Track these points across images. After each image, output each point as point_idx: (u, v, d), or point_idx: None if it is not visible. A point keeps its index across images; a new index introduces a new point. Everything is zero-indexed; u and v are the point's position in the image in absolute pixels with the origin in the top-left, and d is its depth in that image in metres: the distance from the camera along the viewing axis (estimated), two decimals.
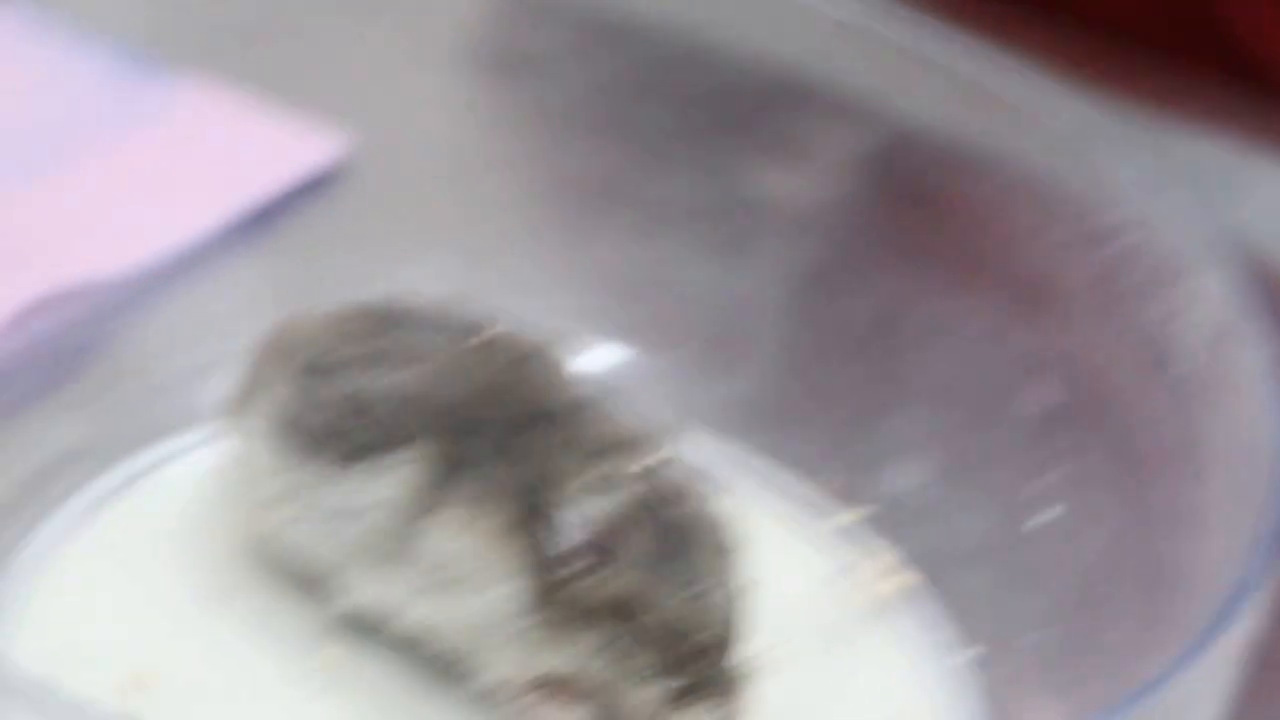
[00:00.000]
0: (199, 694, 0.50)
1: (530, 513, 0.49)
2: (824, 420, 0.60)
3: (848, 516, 0.58)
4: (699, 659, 0.49)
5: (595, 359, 0.59)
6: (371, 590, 0.51)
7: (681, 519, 0.49)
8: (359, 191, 0.64)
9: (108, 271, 0.59)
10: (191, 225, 0.61)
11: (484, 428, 0.50)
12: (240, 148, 0.63)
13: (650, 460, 0.50)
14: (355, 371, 0.52)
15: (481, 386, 0.51)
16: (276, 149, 0.63)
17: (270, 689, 0.51)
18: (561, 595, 0.49)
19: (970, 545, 0.57)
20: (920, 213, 0.61)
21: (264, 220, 0.63)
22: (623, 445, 0.50)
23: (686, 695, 0.49)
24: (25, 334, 0.57)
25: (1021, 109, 0.58)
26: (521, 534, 0.49)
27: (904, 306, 0.60)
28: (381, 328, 0.53)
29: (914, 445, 0.58)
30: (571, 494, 0.49)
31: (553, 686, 0.50)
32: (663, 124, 0.64)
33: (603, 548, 0.49)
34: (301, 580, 0.52)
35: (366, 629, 0.52)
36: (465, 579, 0.50)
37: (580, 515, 0.49)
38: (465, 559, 0.50)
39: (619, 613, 0.48)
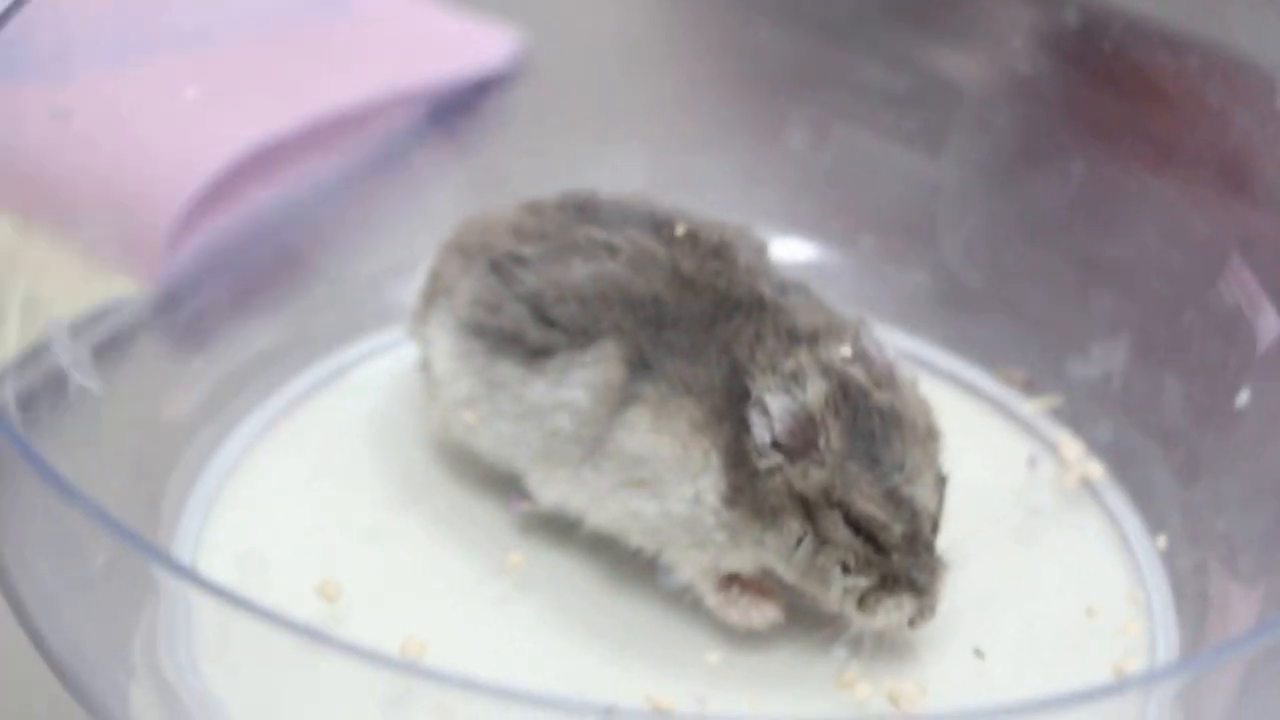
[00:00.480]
0: (386, 600, 0.51)
1: (723, 407, 0.49)
2: (1012, 309, 0.59)
3: (1034, 406, 0.57)
4: (899, 549, 0.48)
5: (783, 252, 0.59)
6: (562, 490, 0.51)
7: (879, 408, 0.48)
8: (539, 90, 0.64)
9: (294, 173, 0.60)
10: (368, 99, 0.62)
11: (675, 322, 0.50)
12: (419, 41, 0.64)
13: (845, 350, 0.49)
14: (541, 269, 0.51)
15: (673, 280, 0.50)
16: (454, 44, 0.63)
17: (460, 592, 0.51)
18: (757, 490, 0.48)
19: (1157, 433, 0.56)
20: (1112, 94, 0.60)
21: (444, 121, 0.63)
22: (817, 335, 0.49)
23: (886, 586, 0.48)
24: (210, 236, 0.58)
25: None
26: (715, 429, 0.49)
27: (1095, 191, 0.59)
28: (567, 224, 0.52)
29: (1102, 332, 0.57)
30: (766, 386, 0.48)
31: (746, 583, 0.50)
32: (849, 10, 0.63)
33: (799, 440, 0.48)
34: (492, 481, 0.53)
35: (558, 530, 0.52)
36: (657, 477, 0.49)
37: (776, 408, 0.48)
38: (657, 456, 0.49)
39: (817, 505, 0.48)
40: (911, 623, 0.48)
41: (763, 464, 0.48)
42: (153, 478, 0.53)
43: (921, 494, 0.48)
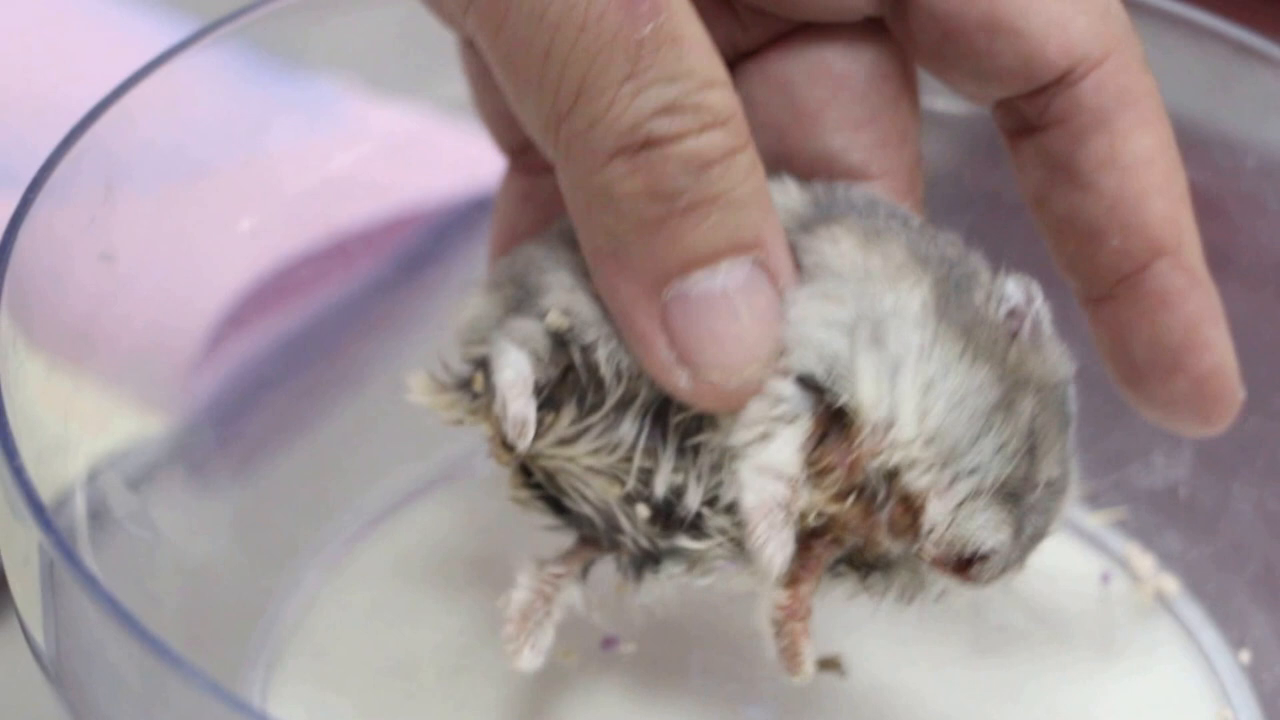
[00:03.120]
0: None
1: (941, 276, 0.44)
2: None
3: (1099, 519, 0.56)
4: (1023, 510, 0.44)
5: None
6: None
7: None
8: None
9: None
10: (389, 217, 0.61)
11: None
12: (436, 161, 0.63)
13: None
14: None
15: None
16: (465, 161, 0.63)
17: None
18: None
19: (1228, 543, 0.55)
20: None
21: (464, 221, 0.63)
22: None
23: (1002, 500, 0.44)
24: (238, 363, 0.57)
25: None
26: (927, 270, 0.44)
27: None
28: None
29: (1165, 441, 0.56)
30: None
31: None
32: None
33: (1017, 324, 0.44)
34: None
35: (639, 669, 0.51)
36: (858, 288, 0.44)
37: (1016, 289, 0.45)
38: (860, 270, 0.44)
39: (1021, 387, 0.44)
40: (986, 561, 0.44)
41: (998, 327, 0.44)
42: (202, 623, 0.51)
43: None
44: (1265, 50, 0.54)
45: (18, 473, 0.41)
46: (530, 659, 0.46)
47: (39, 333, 0.47)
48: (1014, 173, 0.48)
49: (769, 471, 0.43)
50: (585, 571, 0.48)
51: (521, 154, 0.51)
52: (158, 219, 0.53)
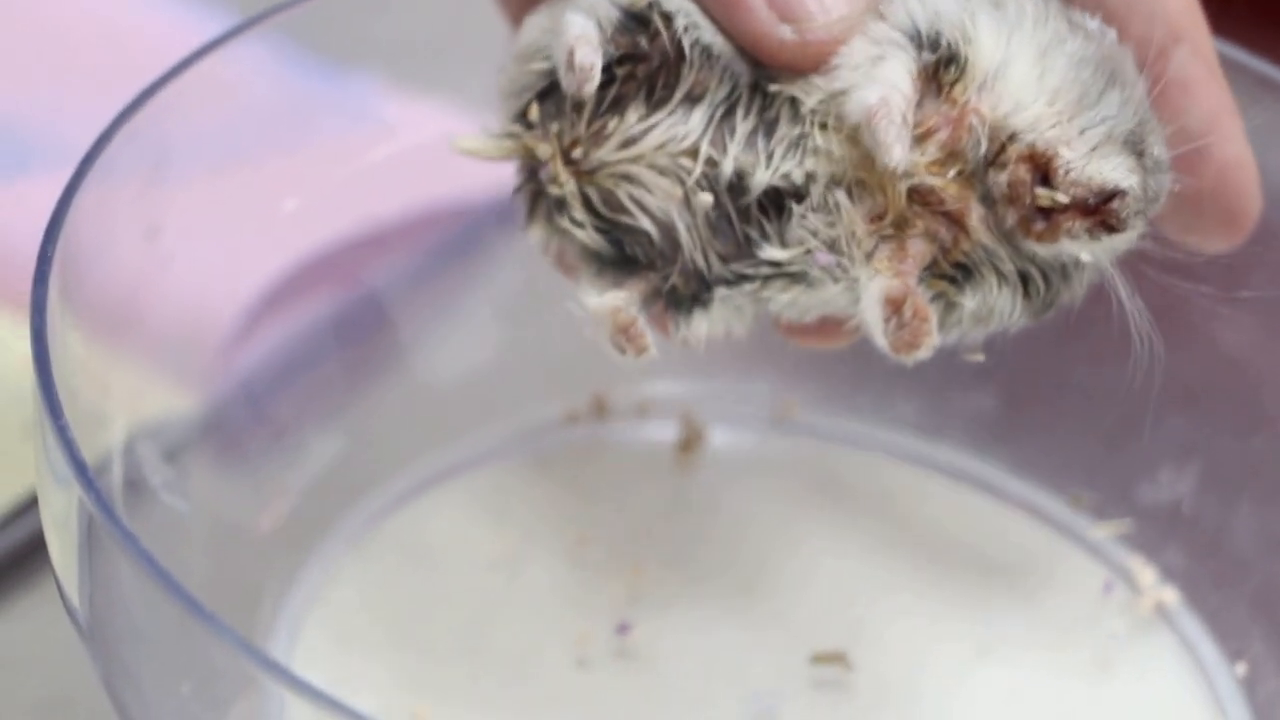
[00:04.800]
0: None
1: None
2: (1078, 433, 0.59)
3: (1103, 531, 0.57)
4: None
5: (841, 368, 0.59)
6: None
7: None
8: None
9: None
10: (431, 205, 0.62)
11: None
12: None
13: None
14: None
15: None
16: None
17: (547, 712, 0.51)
18: None
19: (1230, 560, 0.56)
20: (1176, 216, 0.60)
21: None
22: None
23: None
24: (275, 343, 0.58)
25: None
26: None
27: (1164, 313, 0.59)
28: None
29: (1171, 457, 0.58)
30: None
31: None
32: None
33: None
34: (580, 601, 0.53)
35: (646, 648, 0.51)
36: None
37: None
38: None
39: None
40: (1124, 199, 0.43)
41: None
42: (229, 594, 0.52)
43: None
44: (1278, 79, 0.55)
45: (62, 431, 0.42)
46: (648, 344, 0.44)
47: (82, 306, 0.48)
48: None
49: (885, 82, 0.42)
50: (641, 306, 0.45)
51: None
52: (201, 201, 0.54)
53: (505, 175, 0.57)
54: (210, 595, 0.49)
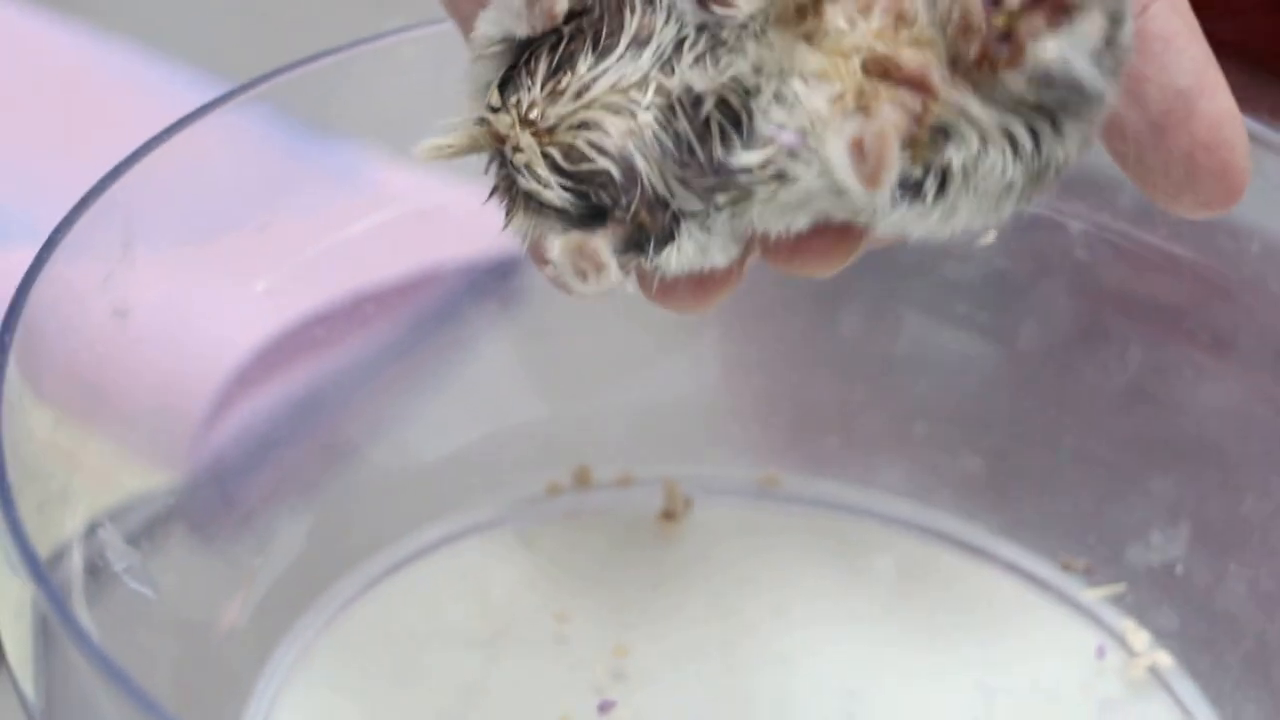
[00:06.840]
0: None
1: None
2: (1068, 496, 0.59)
3: (1096, 594, 0.57)
4: None
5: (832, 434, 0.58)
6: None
7: None
8: None
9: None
10: (408, 275, 0.62)
11: None
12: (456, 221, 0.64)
13: None
14: None
15: None
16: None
17: None
18: None
19: (1223, 621, 0.55)
20: (1172, 278, 0.60)
21: (484, 286, 0.63)
22: None
23: None
24: (247, 421, 0.58)
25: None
26: None
27: (1152, 376, 0.59)
28: None
29: (1162, 519, 0.57)
30: None
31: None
32: None
33: None
34: (560, 684, 0.52)
35: None
36: None
37: None
38: None
39: None
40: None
41: None
42: (197, 683, 0.52)
43: None
44: (1270, 139, 0.55)
45: (14, 525, 0.41)
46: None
47: (49, 385, 0.48)
48: None
49: None
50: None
51: None
52: (173, 278, 0.54)
53: (486, 246, 0.56)
54: (175, 684, 0.48)
